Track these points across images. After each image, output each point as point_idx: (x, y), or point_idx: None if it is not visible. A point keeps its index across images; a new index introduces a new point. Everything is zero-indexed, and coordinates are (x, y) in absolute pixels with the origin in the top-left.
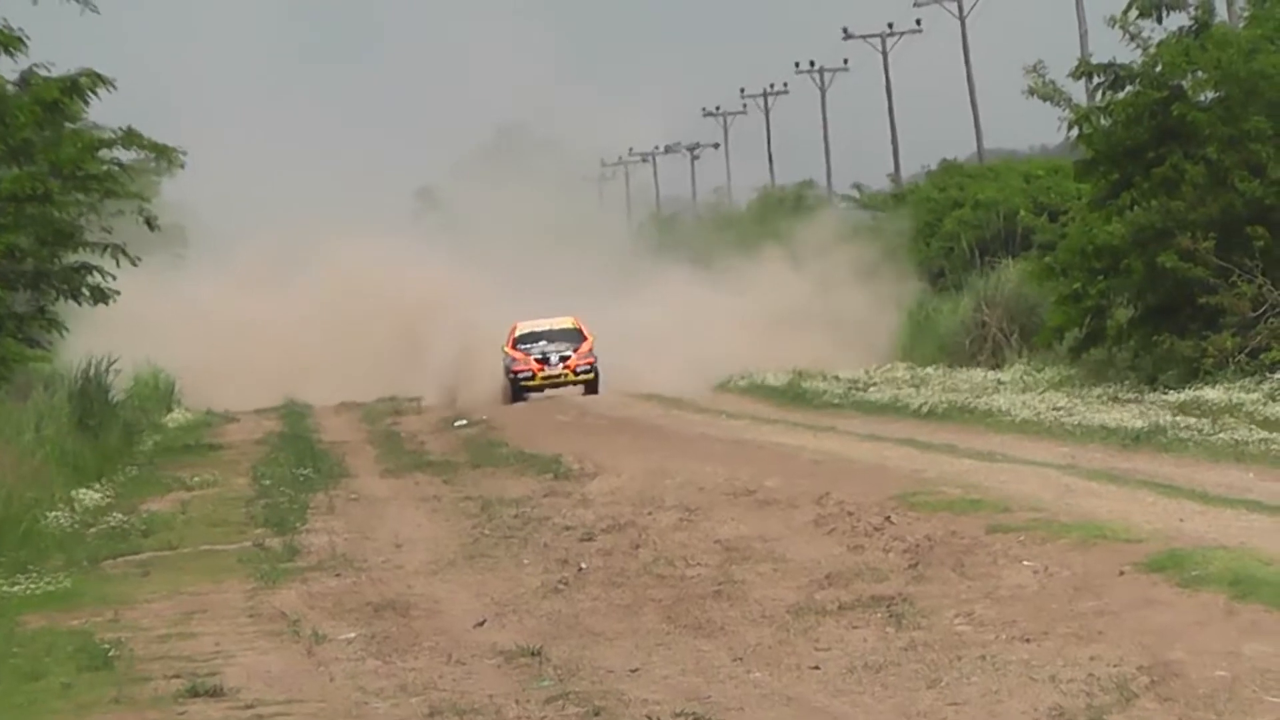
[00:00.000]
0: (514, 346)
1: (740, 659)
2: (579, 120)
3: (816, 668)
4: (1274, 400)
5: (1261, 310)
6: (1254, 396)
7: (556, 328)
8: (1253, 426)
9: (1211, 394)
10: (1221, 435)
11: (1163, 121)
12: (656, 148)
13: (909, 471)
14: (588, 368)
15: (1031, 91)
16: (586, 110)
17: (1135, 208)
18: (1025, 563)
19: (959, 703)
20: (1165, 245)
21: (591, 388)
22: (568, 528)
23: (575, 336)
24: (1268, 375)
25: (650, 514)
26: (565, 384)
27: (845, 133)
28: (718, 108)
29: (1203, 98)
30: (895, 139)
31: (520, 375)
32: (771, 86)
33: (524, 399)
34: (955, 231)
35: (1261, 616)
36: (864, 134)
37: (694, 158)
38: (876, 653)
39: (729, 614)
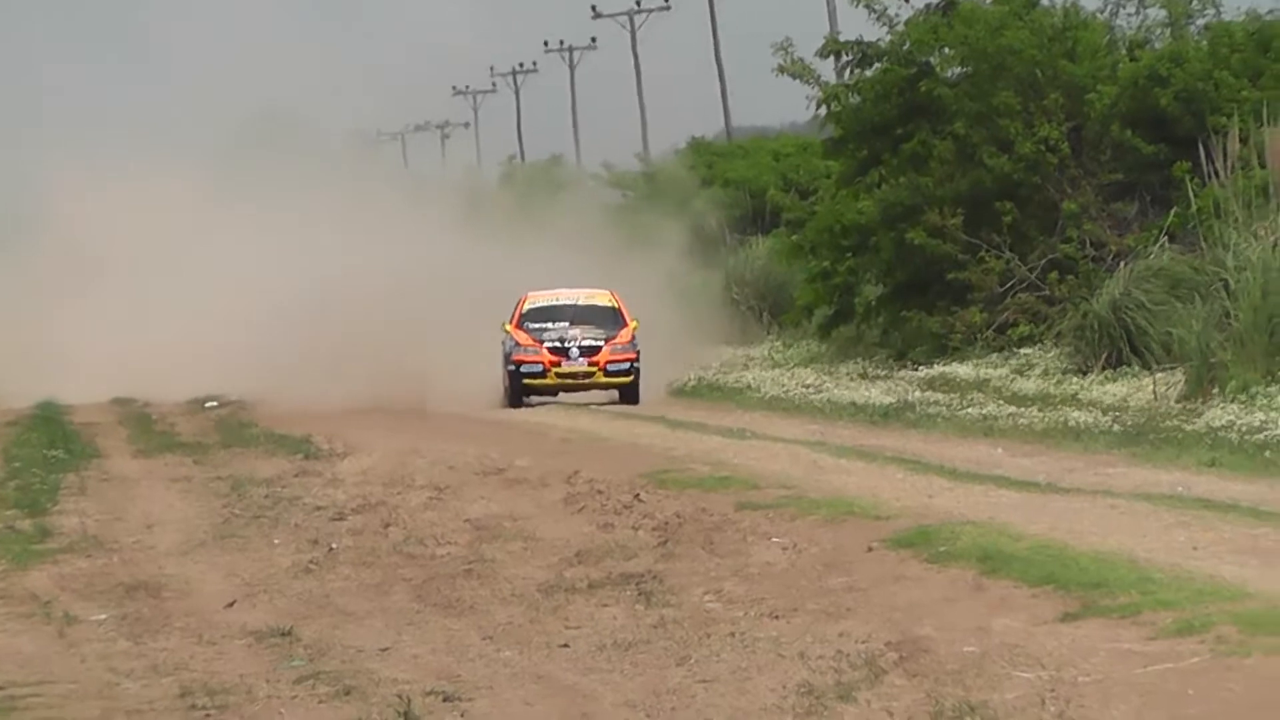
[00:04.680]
0: (519, 326)
1: (490, 637)
2: (326, 99)
3: (566, 646)
4: (1021, 376)
5: (1009, 286)
6: (1002, 372)
7: (584, 303)
8: (1001, 402)
9: (960, 370)
10: (970, 411)
11: (911, 98)
12: (407, 126)
13: (659, 449)
14: (625, 365)
15: (780, 69)
16: (333, 89)
17: (884, 185)
18: (774, 540)
19: (708, 680)
20: (914, 222)
21: (630, 394)
22: (318, 507)
23: (610, 319)
24: (1015, 351)
25: (400, 493)
26: (590, 386)
27: (596, 111)
28: (467, 86)
29: (951, 74)
30: (644, 117)
31: (525, 368)
32: (521, 65)
33: (526, 403)
34: (704, 209)
35: (1010, 592)
36: (614, 113)
37: (444, 136)
38: (626, 630)
39: (479, 592)
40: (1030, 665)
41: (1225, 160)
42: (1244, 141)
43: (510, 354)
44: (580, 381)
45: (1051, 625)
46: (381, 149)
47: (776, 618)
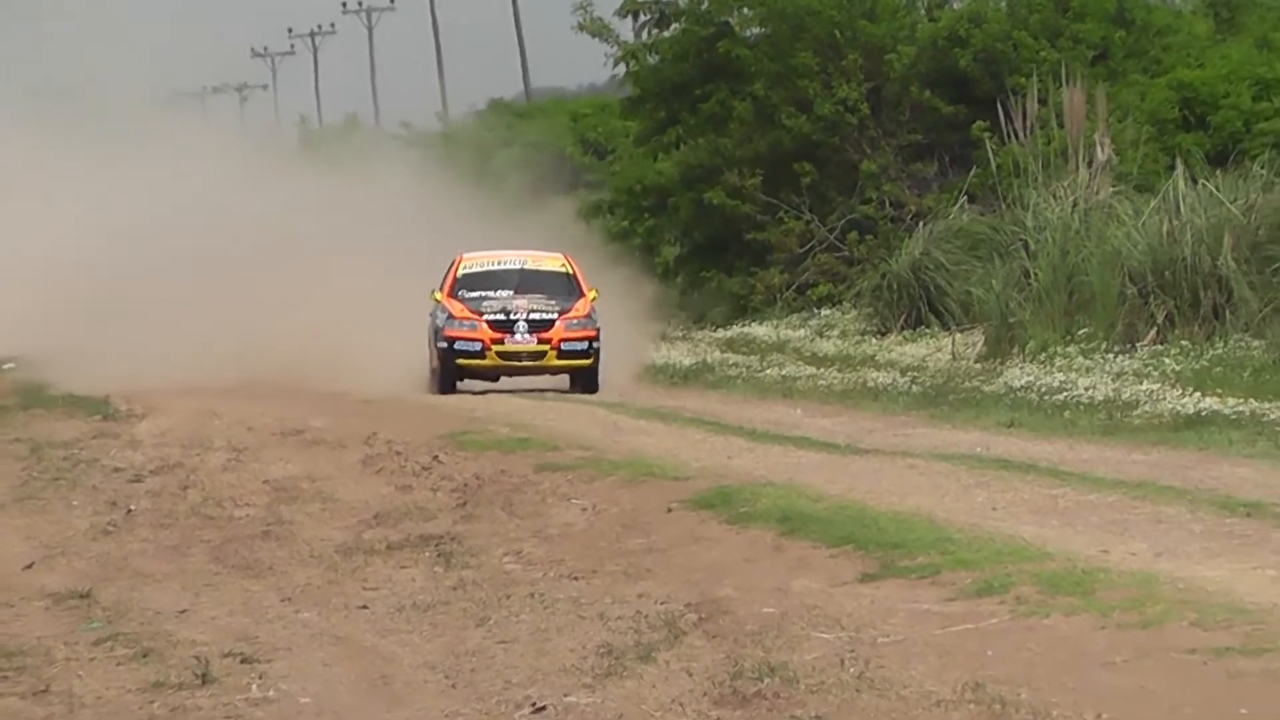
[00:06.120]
0: (452, 294)
1: (289, 599)
2: (118, 63)
3: (365, 607)
4: (821, 336)
5: (809, 246)
6: (801, 333)
7: (532, 267)
8: (800, 363)
9: (759, 331)
10: (769, 372)
11: (710, 59)
12: (205, 88)
13: (458, 411)
14: (584, 344)
15: (580, 27)
16: (125, 52)
17: (682, 145)
18: (574, 501)
19: (508, 641)
20: (713, 183)
21: (587, 380)
22: (117, 469)
23: (564, 287)
24: (815, 312)
25: (199, 455)
26: (540, 370)
27: (396, 73)
28: (265, 48)
29: (750, 34)
30: (443, 78)
31: (460, 345)
32: (319, 26)
33: (456, 389)
34: (504, 171)
35: (809, 552)
36: (414, 74)
37: (243, 99)
38: (425, 592)
39: (277, 554)
40: (830, 626)
41: (1024, 121)
42: (1043, 102)
43: (442, 328)
44: (527, 363)
45: (851, 586)
46: (179, 109)
47: (576, 579)
